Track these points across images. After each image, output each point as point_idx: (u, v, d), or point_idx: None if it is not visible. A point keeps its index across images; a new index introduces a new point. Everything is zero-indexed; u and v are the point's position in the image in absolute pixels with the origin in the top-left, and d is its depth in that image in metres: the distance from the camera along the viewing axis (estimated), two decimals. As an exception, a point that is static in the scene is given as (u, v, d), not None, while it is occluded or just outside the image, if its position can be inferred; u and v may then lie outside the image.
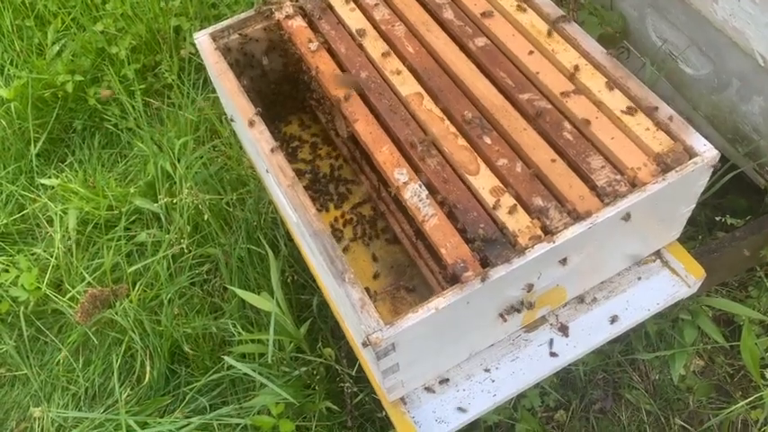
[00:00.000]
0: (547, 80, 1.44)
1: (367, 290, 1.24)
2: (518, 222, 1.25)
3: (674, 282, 1.53)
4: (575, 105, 1.40)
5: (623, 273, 1.54)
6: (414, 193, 1.31)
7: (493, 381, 1.44)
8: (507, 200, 1.28)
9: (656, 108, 1.36)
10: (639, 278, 1.54)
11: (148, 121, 2.42)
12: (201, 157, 2.08)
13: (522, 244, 1.23)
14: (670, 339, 1.78)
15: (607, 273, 1.51)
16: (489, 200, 1.29)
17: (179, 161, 2.08)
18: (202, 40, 1.59)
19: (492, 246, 1.23)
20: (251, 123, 1.43)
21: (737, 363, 1.89)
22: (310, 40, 1.58)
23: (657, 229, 1.46)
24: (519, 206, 1.28)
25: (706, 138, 1.32)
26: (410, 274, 1.61)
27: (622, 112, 1.37)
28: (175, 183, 2.05)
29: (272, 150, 1.38)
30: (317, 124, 1.88)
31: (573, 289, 1.46)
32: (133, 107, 2.45)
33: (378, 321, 1.16)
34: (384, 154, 1.37)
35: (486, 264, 1.22)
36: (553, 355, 1.46)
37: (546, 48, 1.49)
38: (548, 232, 1.25)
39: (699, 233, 1.83)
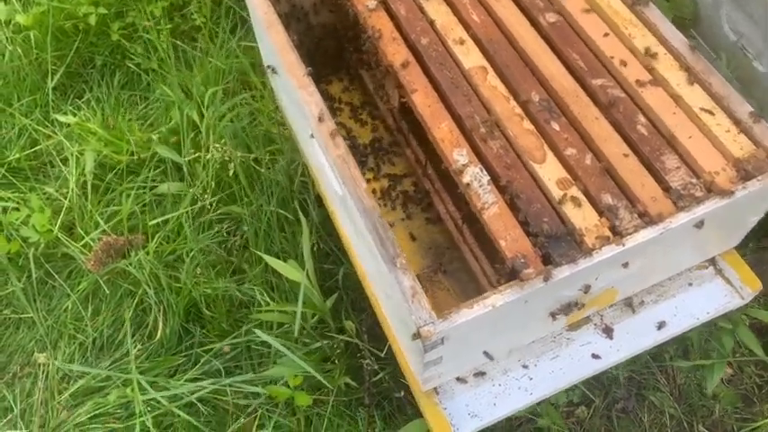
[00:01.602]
0: (622, 66, 1.34)
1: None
2: (585, 220, 1.17)
3: (727, 292, 1.46)
4: (651, 97, 1.30)
5: (674, 277, 1.47)
6: (474, 177, 1.22)
7: (531, 378, 1.38)
8: (574, 193, 1.19)
9: (740, 109, 1.27)
10: (690, 284, 1.47)
11: (174, 65, 2.29)
12: (232, 108, 1.97)
13: (589, 244, 1.14)
14: (703, 346, 1.72)
15: (660, 276, 1.43)
16: (555, 192, 1.20)
17: (207, 109, 1.97)
18: (252, -14, 1.47)
19: (556, 243, 1.15)
20: (301, 84, 1.32)
21: (767, 374, 1.84)
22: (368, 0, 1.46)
23: (719, 236, 1.38)
24: (587, 202, 1.19)
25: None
26: (449, 257, 1.54)
27: (702, 109, 1.27)
28: (201, 133, 1.94)
29: (321, 118, 1.28)
30: (359, 87, 1.78)
31: (625, 291, 1.39)
32: (158, 48, 2.32)
33: (430, 313, 1.09)
34: (443, 131, 1.28)
35: (547, 261, 1.14)
36: (595, 356, 1.39)
37: (622, 31, 1.38)
38: (616, 233, 1.16)
39: (749, 240, 1.75)
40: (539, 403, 1.79)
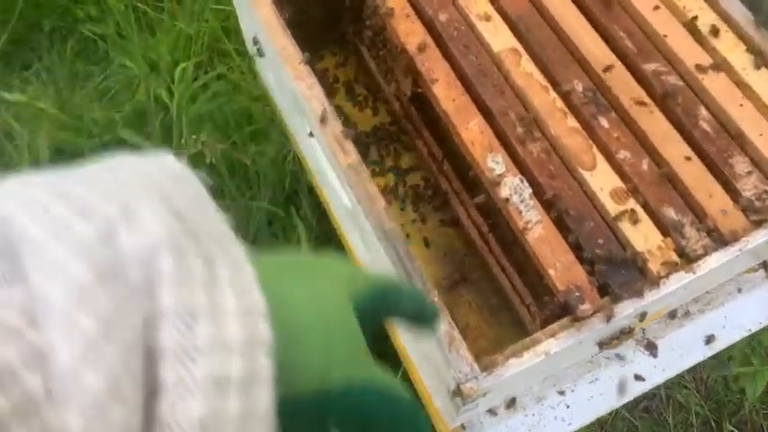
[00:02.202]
0: (677, 47, 1.13)
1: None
2: (647, 241, 0.99)
3: (780, 298, 1.31)
4: (713, 85, 1.10)
5: (722, 283, 1.31)
6: (513, 190, 1.02)
7: (568, 406, 1.22)
8: (633, 208, 1.01)
9: (817, 99, 1.08)
10: (740, 290, 1.31)
11: (134, 29, 2.00)
12: (206, 86, 1.71)
13: (654, 271, 0.96)
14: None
15: (709, 285, 1.27)
16: (610, 206, 1.01)
17: (176, 86, 1.71)
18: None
19: (615, 270, 0.97)
20: (297, 75, 1.09)
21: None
22: (373, -38, 1.21)
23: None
24: (647, 218, 1.01)
25: None
26: (469, 265, 1.35)
27: (774, 100, 1.08)
28: (171, 114, 1.69)
29: (323, 118, 1.06)
30: (357, 62, 1.54)
31: (673, 305, 1.22)
32: (113, 10, 2.02)
33: (471, 366, 0.90)
34: (472, 131, 1.07)
35: (604, 291, 0.97)
36: (638, 378, 1.24)
37: (675, 3, 1.17)
38: (683, 255, 0.99)
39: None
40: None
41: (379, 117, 1.48)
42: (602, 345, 1.10)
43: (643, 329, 1.27)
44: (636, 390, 1.24)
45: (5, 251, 0.26)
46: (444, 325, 0.92)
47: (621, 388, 1.23)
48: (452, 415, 1.02)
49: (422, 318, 0.46)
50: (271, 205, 1.55)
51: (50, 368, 0.25)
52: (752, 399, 1.50)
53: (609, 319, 0.92)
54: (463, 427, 1.18)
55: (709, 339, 1.27)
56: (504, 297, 1.29)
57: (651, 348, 1.26)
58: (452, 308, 1.31)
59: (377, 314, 0.42)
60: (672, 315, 1.28)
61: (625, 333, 1.10)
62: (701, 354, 1.27)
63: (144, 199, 0.29)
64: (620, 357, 1.25)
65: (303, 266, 0.40)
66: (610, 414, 1.68)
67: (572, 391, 1.23)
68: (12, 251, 0.26)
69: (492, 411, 1.20)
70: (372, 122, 1.47)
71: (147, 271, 0.27)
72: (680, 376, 1.72)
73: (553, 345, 0.92)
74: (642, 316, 1.06)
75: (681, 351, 1.26)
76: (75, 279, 0.25)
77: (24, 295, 0.26)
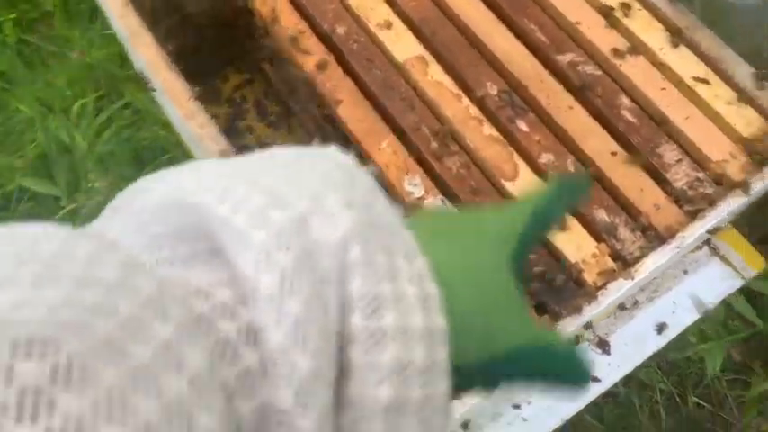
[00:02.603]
0: (591, 34, 1.07)
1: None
2: (580, 250, 0.93)
3: (726, 273, 1.27)
4: (632, 70, 1.04)
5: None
6: (435, 214, 0.94)
7: (525, 419, 1.17)
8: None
9: (739, 71, 1.03)
10: (686, 271, 1.27)
11: (26, 65, 1.86)
12: (111, 119, 1.59)
13: (590, 282, 0.91)
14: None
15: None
16: (538, 217, 0.94)
17: (77, 126, 1.59)
18: (98, -19, 1.09)
19: (550, 287, 0.91)
20: (187, 114, 0.99)
21: (751, 326, 1.71)
22: (258, -22, 1.11)
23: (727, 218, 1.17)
24: (578, 224, 0.94)
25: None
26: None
27: (695, 79, 1.03)
28: (78, 160, 1.56)
29: (222, 156, 0.96)
30: (264, 79, 1.44)
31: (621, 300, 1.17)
32: (2, 43, 1.87)
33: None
34: (385, 153, 0.98)
35: (543, 309, 0.90)
36: (594, 379, 1.19)
37: (584, -15, 1.10)
38: (619, 258, 0.93)
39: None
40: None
41: (294, 136, 1.38)
42: (551, 358, 1.05)
43: (593, 327, 1.22)
44: (594, 392, 1.19)
45: (204, 236, 0.29)
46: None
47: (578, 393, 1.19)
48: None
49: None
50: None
51: (265, 346, 0.27)
52: (712, 372, 1.47)
53: (549, 342, 0.86)
54: (419, 459, 1.12)
55: (661, 328, 1.23)
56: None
57: (603, 346, 1.22)
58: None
59: (536, 240, 0.43)
60: (621, 307, 1.24)
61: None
62: (655, 344, 1.22)
63: (331, 191, 0.31)
64: (573, 360, 1.20)
65: (456, 229, 0.40)
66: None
67: (528, 403, 1.17)
68: (210, 236, 0.29)
69: (448, 438, 1.14)
70: (288, 142, 1.37)
71: (338, 260, 0.29)
72: (639, 355, 1.69)
73: (494, 379, 0.85)
74: (587, 325, 1.00)
75: (634, 344, 1.22)
76: (278, 264, 0.27)
77: (231, 277, 0.28)
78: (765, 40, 1.37)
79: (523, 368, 0.37)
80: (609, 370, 1.20)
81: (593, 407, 1.66)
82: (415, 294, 0.31)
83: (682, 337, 1.59)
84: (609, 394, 1.68)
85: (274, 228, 0.28)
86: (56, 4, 1.90)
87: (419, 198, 0.95)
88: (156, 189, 0.32)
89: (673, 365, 1.68)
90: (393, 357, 0.29)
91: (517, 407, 1.17)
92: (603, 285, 0.90)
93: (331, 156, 0.35)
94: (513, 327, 0.37)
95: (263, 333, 0.27)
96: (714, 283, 1.27)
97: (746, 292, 1.60)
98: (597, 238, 0.94)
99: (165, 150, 1.65)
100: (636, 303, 1.25)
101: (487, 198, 0.96)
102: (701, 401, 1.66)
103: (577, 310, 0.88)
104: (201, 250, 0.30)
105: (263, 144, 1.37)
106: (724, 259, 1.28)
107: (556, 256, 0.93)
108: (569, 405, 1.18)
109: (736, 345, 1.72)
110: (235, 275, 0.28)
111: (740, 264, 1.25)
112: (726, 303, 1.52)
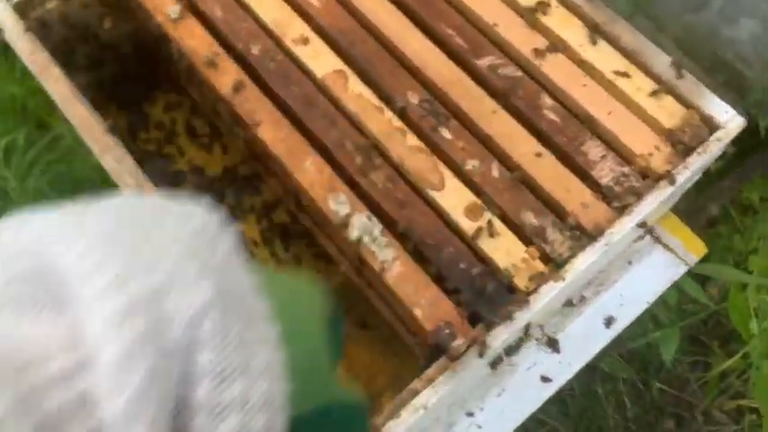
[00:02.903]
0: (510, 34, 1.06)
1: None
2: (510, 255, 0.92)
3: (670, 261, 1.27)
4: (553, 69, 1.04)
5: (611, 259, 1.27)
6: (363, 230, 0.93)
7: (479, 426, 1.15)
8: (491, 221, 0.93)
9: (658, 61, 1.03)
10: (630, 262, 1.27)
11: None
12: (38, 157, 1.55)
13: (522, 287, 0.90)
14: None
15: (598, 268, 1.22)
16: (466, 225, 0.93)
17: (7, 166, 1.55)
18: (3, 18, 1.05)
19: (481, 296, 0.89)
20: (102, 148, 0.96)
21: (709, 308, 1.72)
22: (169, 3, 1.08)
23: (657, 210, 1.17)
24: (507, 228, 0.94)
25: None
26: (351, 300, 1.26)
27: (616, 73, 1.03)
28: (11, 198, 1.52)
29: (140, 189, 0.94)
30: (190, 100, 1.41)
31: (565, 299, 1.17)
32: None
33: (347, 440, 0.82)
34: (309, 173, 0.97)
35: (476, 319, 0.89)
36: (545, 379, 1.18)
37: (500, -15, 1.10)
38: (549, 260, 0.92)
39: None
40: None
41: (229, 156, 1.36)
42: (495, 364, 1.04)
43: (541, 326, 1.22)
44: (546, 392, 1.19)
45: (52, 287, 0.29)
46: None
47: (531, 394, 1.18)
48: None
49: None
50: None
51: (101, 415, 0.27)
52: (668, 357, 1.48)
53: (482, 352, 0.85)
54: (375, 477, 1.10)
55: (609, 321, 1.22)
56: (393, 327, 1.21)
57: (552, 345, 1.20)
58: (354, 353, 1.23)
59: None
60: (568, 303, 1.23)
61: (514, 348, 1.04)
62: (604, 338, 1.22)
63: (190, 260, 0.31)
64: (524, 362, 1.19)
65: (282, 293, 0.42)
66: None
67: (481, 409, 1.16)
68: (58, 290, 0.29)
69: (402, 452, 1.13)
70: (222, 163, 1.35)
71: (190, 332, 0.29)
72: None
73: (431, 396, 0.84)
74: (527, 329, 1.00)
75: (583, 340, 1.21)
76: (125, 334, 0.27)
77: (74, 338, 0.28)
78: (693, 21, 1.38)
79: (325, 422, 0.40)
80: (560, 368, 1.19)
81: (558, 402, 1.66)
82: (263, 362, 0.32)
83: (639, 325, 1.60)
84: (572, 387, 1.69)
85: (127, 297, 0.28)
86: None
87: (346, 215, 0.93)
88: (12, 231, 0.31)
89: (634, 353, 1.68)
90: (235, 427, 0.30)
91: (470, 414, 1.16)
92: (535, 290, 0.89)
93: (196, 216, 0.35)
94: (323, 385, 0.41)
95: (101, 402, 0.27)
96: (659, 271, 1.27)
97: (695, 275, 1.61)
98: (526, 242, 0.93)
99: (105, 181, 1.62)
100: (583, 299, 1.24)
101: (416, 210, 0.94)
102: (663, 386, 1.67)
103: (509, 317, 0.87)
104: (45, 299, 0.29)
105: (195, 168, 1.34)
106: (667, 247, 1.28)
107: (486, 263, 0.92)
108: (522, 408, 1.17)
109: (694, 327, 1.73)
110: (78, 338, 0.28)
111: (682, 250, 1.26)
112: (678, 289, 1.53)
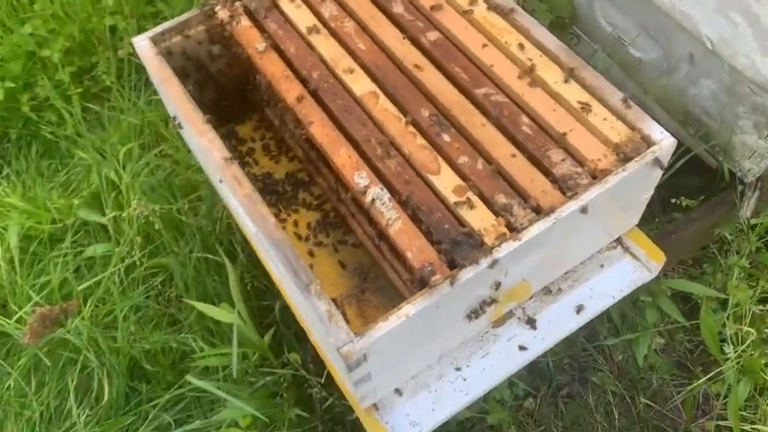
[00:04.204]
0: (502, 73, 1.42)
1: (333, 299, 1.20)
2: (483, 221, 1.24)
3: (636, 267, 1.55)
4: (532, 98, 1.38)
5: (586, 261, 1.55)
6: (375, 197, 1.27)
7: (465, 379, 1.43)
8: (471, 198, 1.26)
9: (612, 97, 1.36)
10: (602, 266, 1.55)
11: (88, 128, 2.31)
12: (148, 163, 1.99)
13: (489, 243, 1.21)
14: (632, 321, 1.80)
15: (571, 263, 1.51)
16: (453, 199, 1.26)
17: (124, 169, 1.99)
18: (142, 45, 1.51)
19: (458, 247, 1.21)
20: (200, 132, 1.37)
21: (696, 338, 1.93)
22: (257, 41, 1.51)
23: (618, 217, 1.46)
24: (483, 204, 1.26)
25: (657, 122, 1.33)
26: (375, 275, 1.59)
27: (579, 103, 1.36)
28: (122, 192, 1.96)
29: (226, 160, 1.33)
30: (268, 124, 1.83)
31: (538, 282, 1.46)
32: (71, 113, 2.33)
33: (347, 333, 1.13)
34: (342, 157, 1.33)
35: (453, 265, 1.21)
36: (522, 348, 1.46)
37: (499, 39, 1.47)
38: (513, 229, 1.23)
39: (655, 215, 1.85)
40: (488, 402, 1.85)
41: (292, 164, 1.75)
42: (471, 315, 1.33)
43: (523, 308, 1.50)
44: (522, 359, 1.45)
45: None
46: (324, 305, 1.16)
47: (509, 359, 1.45)
48: (352, 388, 1.24)
49: None
50: (208, 254, 1.79)
51: None
52: (641, 362, 1.70)
53: (453, 282, 1.16)
54: (376, 407, 1.39)
55: (580, 309, 1.50)
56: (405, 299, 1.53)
57: (531, 323, 1.49)
58: (364, 311, 1.54)
59: None
60: (547, 291, 1.52)
61: (487, 303, 1.33)
62: (574, 322, 1.49)
63: None
64: (506, 334, 1.47)
65: None
66: (536, 400, 1.87)
67: (467, 366, 1.44)
68: None
69: (399, 391, 1.41)
70: (285, 170, 1.74)
71: None
72: (593, 359, 1.93)
73: (411, 308, 1.15)
74: (497, 285, 1.29)
75: (556, 322, 1.49)
76: None
77: None
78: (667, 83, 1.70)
79: None
80: (535, 342, 1.47)
81: (554, 407, 1.88)
82: None
83: (617, 327, 1.83)
84: (568, 395, 1.91)
85: None
86: (112, 81, 2.37)
87: (365, 186, 1.29)
88: None
89: (623, 370, 1.90)
90: None
91: (458, 369, 1.44)
92: (498, 245, 1.20)
93: None
94: None
95: None
96: (626, 274, 1.54)
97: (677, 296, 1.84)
98: (496, 214, 1.25)
99: (195, 189, 2.04)
100: (560, 290, 1.52)
101: (417, 187, 1.29)
102: (650, 402, 1.86)
103: (476, 261, 1.18)
104: None
105: (265, 174, 1.73)
106: (633, 255, 1.55)
107: (464, 225, 1.24)
108: (501, 368, 1.44)
109: (682, 355, 1.93)
110: None
111: (645, 258, 1.53)
112: (658, 308, 1.78)
